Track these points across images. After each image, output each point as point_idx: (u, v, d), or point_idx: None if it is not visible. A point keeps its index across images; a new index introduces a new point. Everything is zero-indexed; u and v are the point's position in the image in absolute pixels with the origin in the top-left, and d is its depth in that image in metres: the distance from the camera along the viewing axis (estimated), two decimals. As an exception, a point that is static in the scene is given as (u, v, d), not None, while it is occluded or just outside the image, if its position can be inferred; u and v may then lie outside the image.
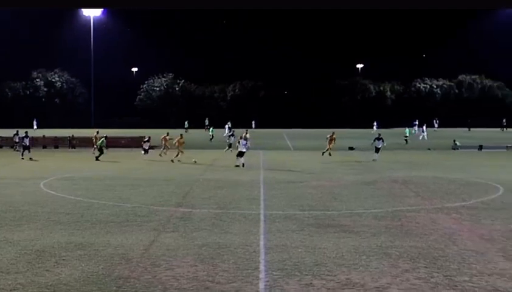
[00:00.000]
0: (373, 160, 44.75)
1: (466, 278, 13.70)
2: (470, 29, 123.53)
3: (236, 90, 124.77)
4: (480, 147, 57.57)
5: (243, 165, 40.06)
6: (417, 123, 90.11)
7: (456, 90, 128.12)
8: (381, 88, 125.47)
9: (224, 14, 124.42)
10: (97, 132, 52.74)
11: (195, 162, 43.49)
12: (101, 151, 46.81)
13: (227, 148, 53.47)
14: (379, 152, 45.96)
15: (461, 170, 39.07)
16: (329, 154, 48.86)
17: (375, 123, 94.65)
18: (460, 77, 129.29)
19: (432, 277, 13.80)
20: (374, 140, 46.63)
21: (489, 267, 14.64)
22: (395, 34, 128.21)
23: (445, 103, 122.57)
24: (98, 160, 45.39)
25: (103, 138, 48.46)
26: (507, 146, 57.65)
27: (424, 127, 77.99)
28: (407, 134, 66.92)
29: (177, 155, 44.48)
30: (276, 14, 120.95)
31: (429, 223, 20.29)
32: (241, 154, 41.11)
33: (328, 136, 50.41)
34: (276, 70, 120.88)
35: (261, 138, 73.60)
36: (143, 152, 49.37)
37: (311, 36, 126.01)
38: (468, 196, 26.88)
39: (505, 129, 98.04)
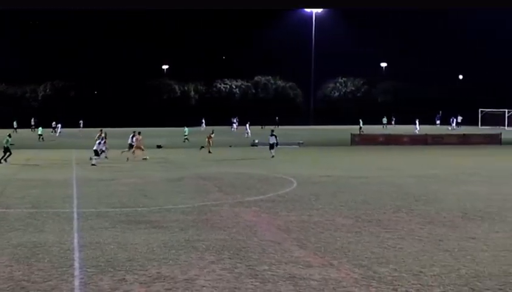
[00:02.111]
0: (271, 156, 45.16)
1: (266, 267, 14.17)
2: (266, 31, 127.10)
3: (47, 91, 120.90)
4: (276, 144, 59.29)
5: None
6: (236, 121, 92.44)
7: (253, 91, 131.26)
8: (185, 88, 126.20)
9: (32, 15, 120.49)
10: None
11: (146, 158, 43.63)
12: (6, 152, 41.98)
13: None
14: (274, 148, 46.31)
15: (259, 165, 40.18)
16: (209, 152, 49.73)
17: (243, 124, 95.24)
18: (256, 78, 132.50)
19: (235, 268, 14.17)
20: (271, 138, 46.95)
21: (286, 256, 15.22)
22: (198, 36, 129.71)
23: (243, 102, 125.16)
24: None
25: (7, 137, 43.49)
26: (299, 143, 59.81)
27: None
28: (186, 133, 67.14)
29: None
30: (82, 15, 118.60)
31: (232, 216, 20.79)
32: (96, 153, 40.83)
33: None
34: (86, 71, 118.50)
35: (75, 137, 72.13)
36: None
37: (119, 37, 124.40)
38: (266, 190, 27.74)
39: (277, 126, 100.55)
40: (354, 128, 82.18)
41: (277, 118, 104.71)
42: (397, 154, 50.30)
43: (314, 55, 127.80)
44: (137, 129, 47.74)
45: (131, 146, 45.71)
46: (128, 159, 43.48)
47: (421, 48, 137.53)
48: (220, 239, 17.19)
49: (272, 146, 46.34)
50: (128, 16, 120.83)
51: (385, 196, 25.38)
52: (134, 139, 45.86)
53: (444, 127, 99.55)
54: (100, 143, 41.88)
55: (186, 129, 68.29)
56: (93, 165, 39.78)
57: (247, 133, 76.44)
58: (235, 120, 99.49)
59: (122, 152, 44.73)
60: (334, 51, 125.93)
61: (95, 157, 40.87)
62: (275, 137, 47.23)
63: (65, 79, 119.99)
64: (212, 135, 52.33)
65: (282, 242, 16.84)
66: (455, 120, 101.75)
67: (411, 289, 12.53)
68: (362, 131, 78.95)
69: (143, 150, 45.07)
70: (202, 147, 51.62)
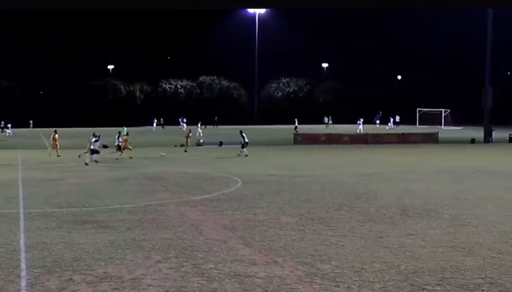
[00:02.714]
0: (245, 155, 45.77)
1: (212, 266, 14.17)
2: (211, 31, 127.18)
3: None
4: (221, 143, 59.37)
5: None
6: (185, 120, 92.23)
7: (198, 91, 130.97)
8: (131, 88, 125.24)
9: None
10: None
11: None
12: None
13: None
14: (245, 147, 47.06)
15: (205, 165, 40.11)
16: (185, 151, 50.43)
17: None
18: (201, 78, 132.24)
19: (182, 266, 14.13)
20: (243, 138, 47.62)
21: (231, 254, 15.25)
22: (143, 35, 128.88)
23: (188, 102, 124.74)
24: None
25: None
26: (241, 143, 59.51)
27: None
28: (125, 133, 66.65)
29: None
30: (25, 14, 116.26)
31: (178, 216, 20.72)
32: (93, 151, 41.40)
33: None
34: (29, 70, 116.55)
35: (24, 137, 70.94)
36: None
37: (65, 36, 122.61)
38: (212, 189, 27.71)
39: (216, 126, 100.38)
40: (313, 127, 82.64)
41: (216, 118, 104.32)
42: (339, 153, 50.77)
43: (257, 55, 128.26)
44: (121, 129, 47.61)
45: (118, 147, 45.89)
46: (117, 158, 43.93)
47: (361, 49, 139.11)
48: (166, 238, 17.11)
49: (243, 145, 47.37)
50: (74, 15, 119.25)
51: (327, 195, 25.60)
52: (121, 138, 46.10)
53: (383, 126, 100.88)
54: (96, 141, 41.79)
55: (125, 129, 67.85)
56: (96, 161, 40.40)
57: (199, 133, 76.18)
58: (184, 120, 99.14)
59: (79, 155, 44.09)
60: (278, 51, 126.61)
61: (95, 155, 41.50)
62: (244, 137, 47.96)
63: (9, 79, 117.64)
64: (190, 135, 52.97)
65: (227, 240, 16.87)
66: (392, 119, 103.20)
67: (353, 285, 12.68)
68: (297, 131, 79.22)
69: (131, 149, 45.51)
70: (182, 145, 52.51)
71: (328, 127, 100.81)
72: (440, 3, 79.13)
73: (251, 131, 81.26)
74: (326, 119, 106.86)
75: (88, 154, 41.07)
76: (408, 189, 27.42)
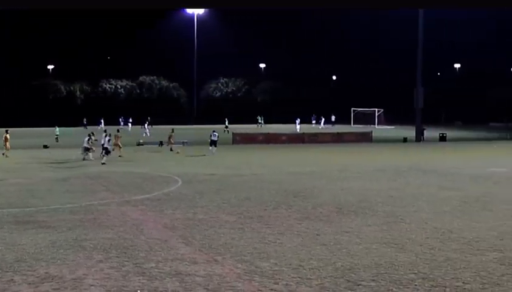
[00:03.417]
0: (212, 154, 46.29)
1: (153, 265, 14.13)
2: (150, 31, 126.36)
3: None
4: (161, 143, 58.94)
5: None
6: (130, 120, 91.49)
7: (138, 91, 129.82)
8: (71, 88, 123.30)
9: None
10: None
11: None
12: None
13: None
14: (215, 145, 47.72)
15: (146, 164, 39.80)
16: (171, 149, 50.11)
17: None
18: (141, 78, 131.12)
19: (123, 266, 14.05)
20: (210, 136, 48.16)
21: (172, 253, 15.23)
22: (84, 35, 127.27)
23: (129, 102, 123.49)
24: None
25: None
26: (183, 142, 59.31)
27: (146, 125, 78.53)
28: (57, 133, 65.97)
29: None
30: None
31: (119, 215, 20.57)
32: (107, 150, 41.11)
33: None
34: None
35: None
36: None
37: (5, 36, 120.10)
38: (152, 188, 27.57)
39: (148, 126, 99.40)
40: (234, 127, 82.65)
41: (149, 118, 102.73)
42: (277, 153, 50.98)
43: (196, 56, 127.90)
44: (108, 128, 46.95)
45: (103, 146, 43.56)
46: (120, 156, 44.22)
47: (298, 49, 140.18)
48: (107, 238, 16.98)
49: (213, 143, 47.99)
50: (13, 15, 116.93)
51: (265, 193, 25.75)
52: (107, 139, 44.86)
53: (319, 126, 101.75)
54: (109, 140, 41.83)
55: (57, 129, 66.96)
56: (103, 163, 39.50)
57: (146, 133, 75.40)
58: (130, 120, 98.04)
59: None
60: (217, 52, 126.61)
61: (85, 153, 42.07)
62: (217, 136, 48.87)
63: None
64: (173, 134, 52.49)
65: (168, 240, 16.83)
66: (323, 119, 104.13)
67: (291, 282, 12.80)
68: (228, 131, 79.28)
69: (120, 148, 45.10)
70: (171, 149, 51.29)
71: (260, 127, 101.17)
72: (440, 3, 79.90)
73: (190, 130, 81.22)
74: (259, 119, 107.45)
75: (102, 154, 41.01)
76: (344, 187, 27.78)
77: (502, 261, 14.46)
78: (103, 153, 40.53)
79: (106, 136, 41.69)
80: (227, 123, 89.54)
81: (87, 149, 42.56)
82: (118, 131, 46.49)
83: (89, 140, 42.83)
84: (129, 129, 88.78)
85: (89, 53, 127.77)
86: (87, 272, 13.51)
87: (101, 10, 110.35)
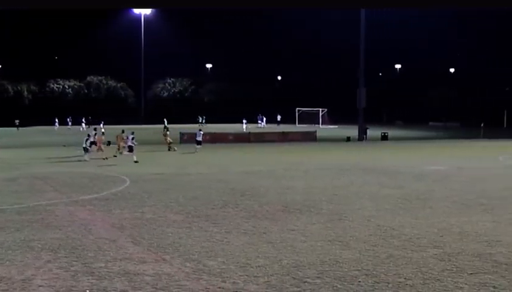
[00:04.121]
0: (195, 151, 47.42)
1: (102, 265, 14.01)
2: (98, 31, 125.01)
3: None
4: (109, 143, 58.30)
5: None
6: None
7: (86, 91, 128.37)
8: (19, 88, 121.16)
9: None
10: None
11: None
12: None
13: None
14: (200, 144, 49.09)
15: (94, 164, 39.19)
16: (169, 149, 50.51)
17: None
18: (89, 78, 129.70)
19: (72, 266, 13.89)
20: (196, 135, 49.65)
21: (121, 253, 15.12)
22: (31, 35, 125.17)
23: (77, 102, 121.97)
24: None
25: None
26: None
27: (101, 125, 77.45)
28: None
29: None
30: None
31: (67, 215, 20.32)
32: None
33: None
34: None
35: None
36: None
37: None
38: (100, 188, 27.29)
39: (88, 126, 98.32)
40: (182, 127, 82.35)
41: (90, 117, 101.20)
42: (224, 152, 50.96)
43: (143, 56, 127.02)
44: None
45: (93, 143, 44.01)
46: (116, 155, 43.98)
47: (244, 50, 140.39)
48: (56, 238, 16.76)
49: (198, 143, 49.12)
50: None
51: (213, 192, 25.75)
52: (96, 137, 44.87)
53: (267, 125, 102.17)
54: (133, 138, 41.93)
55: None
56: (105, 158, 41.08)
57: (103, 132, 74.38)
58: (83, 120, 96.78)
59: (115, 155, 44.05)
60: (164, 52, 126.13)
61: (84, 153, 41.76)
62: (202, 134, 50.64)
63: None
64: (168, 133, 52.99)
65: (117, 239, 16.70)
66: (264, 118, 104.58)
67: (238, 280, 12.84)
68: (167, 131, 78.96)
69: (103, 151, 43.91)
70: (169, 149, 50.88)
71: (202, 126, 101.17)
72: (439, 3, 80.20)
73: (138, 130, 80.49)
74: (200, 119, 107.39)
75: (126, 152, 41.68)
76: (289, 186, 27.95)
77: (442, 257, 14.77)
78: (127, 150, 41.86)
79: (131, 134, 42.24)
80: (166, 123, 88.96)
81: (86, 150, 41.96)
82: (123, 131, 46.40)
83: (87, 140, 42.31)
84: (82, 129, 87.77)
85: (36, 52, 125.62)
86: (35, 273, 13.33)
87: (49, 10, 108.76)
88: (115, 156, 43.71)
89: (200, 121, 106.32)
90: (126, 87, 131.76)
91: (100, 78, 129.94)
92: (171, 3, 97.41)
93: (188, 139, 63.20)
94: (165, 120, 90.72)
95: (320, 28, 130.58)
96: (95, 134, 46.28)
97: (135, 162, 39.38)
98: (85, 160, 40.74)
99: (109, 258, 14.58)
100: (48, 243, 16.11)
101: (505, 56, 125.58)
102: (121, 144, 45.21)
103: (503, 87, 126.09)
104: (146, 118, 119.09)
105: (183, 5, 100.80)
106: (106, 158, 42.18)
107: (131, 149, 41.35)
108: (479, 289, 12.32)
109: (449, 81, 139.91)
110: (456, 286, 12.51)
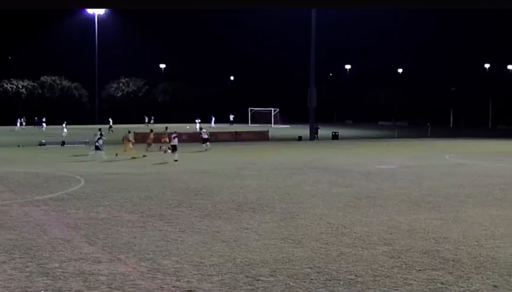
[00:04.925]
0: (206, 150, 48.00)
1: (57, 265, 13.83)
2: (51, 31, 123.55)
3: None
4: (63, 143, 57.72)
5: None
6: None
7: (40, 91, 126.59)
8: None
9: None
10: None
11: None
12: None
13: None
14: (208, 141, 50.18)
15: (47, 164, 38.78)
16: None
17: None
18: (42, 78, 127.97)
19: (27, 267, 13.69)
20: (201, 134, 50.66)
21: (76, 253, 14.95)
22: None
23: (30, 103, 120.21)
24: None
25: None
26: (85, 142, 58.13)
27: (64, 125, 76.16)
28: None
29: None
30: None
31: (22, 216, 20.01)
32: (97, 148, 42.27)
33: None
34: None
35: None
36: None
37: None
38: (55, 188, 26.94)
39: (40, 126, 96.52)
40: (134, 127, 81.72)
41: (43, 119, 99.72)
42: (177, 151, 50.63)
43: (97, 56, 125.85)
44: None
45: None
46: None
47: (197, 50, 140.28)
48: (10, 239, 16.49)
49: (205, 141, 50.59)
50: None
51: (167, 192, 25.66)
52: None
53: (217, 125, 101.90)
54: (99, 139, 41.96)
55: None
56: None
57: (65, 132, 73.25)
58: (44, 119, 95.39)
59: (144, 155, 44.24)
60: (117, 52, 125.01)
61: (95, 151, 41.95)
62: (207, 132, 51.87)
63: None
64: (152, 137, 51.36)
65: (71, 239, 16.52)
66: (213, 118, 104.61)
67: (192, 279, 12.82)
68: (112, 131, 78.61)
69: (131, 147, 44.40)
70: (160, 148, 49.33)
71: (147, 126, 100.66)
72: (439, 3, 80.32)
73: (92, 130, 79.72)
74: (146, 119, 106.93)
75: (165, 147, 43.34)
76: (243, 185, 28.01)
77: (392, 254, 14.97)
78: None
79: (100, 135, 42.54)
80: (111, 123, 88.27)
81: (97, 148, 42.34)
82: (129, 132, 46.03)
83: (99, 139, 42.59)
84: (44, 128, 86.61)
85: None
86: (-10, 274, 13.13)
87: (1, 9, 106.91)
88: (145, 156, 43.97)
89: (146, 121, 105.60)
90: (80, 87, 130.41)
91: (53, 78, 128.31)
92: (134, 4, 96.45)
93: (141, 138, 62.73)
94: (110, 120, 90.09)
95: (273, 28, 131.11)
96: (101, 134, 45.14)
97: (175, 160, 40.42)
98: (101, 158, 41.36)
99: (64, 259, 14.41)
100: (2, 244, 15.85)
101: (451, 58, 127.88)
102: (165, 140, 46.82)
103: (449, 87, 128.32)
104: (100, 118, 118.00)
105: (151, 5, 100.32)
106: (134, 157, 42.98)
107: (174, 148, 41.74)
108: (427, 285, 12.52)
109: (397, 81, 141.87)
110: (405, 282, 12.69)
